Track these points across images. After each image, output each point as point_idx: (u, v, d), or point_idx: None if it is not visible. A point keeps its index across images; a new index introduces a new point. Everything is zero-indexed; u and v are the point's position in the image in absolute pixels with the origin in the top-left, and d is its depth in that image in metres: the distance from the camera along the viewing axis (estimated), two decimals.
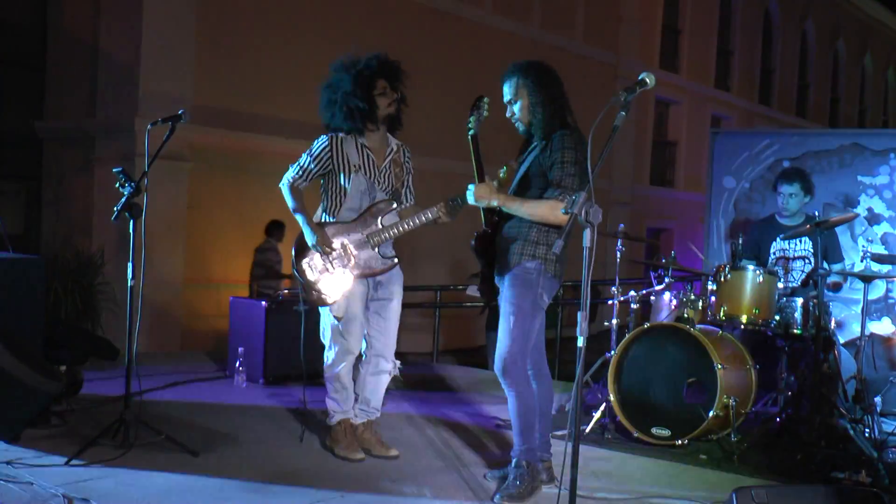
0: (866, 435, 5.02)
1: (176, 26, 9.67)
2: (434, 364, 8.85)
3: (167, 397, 5.86)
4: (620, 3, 16.85)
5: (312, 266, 4.54)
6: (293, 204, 4.58)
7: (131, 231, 4.51)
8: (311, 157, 4.56)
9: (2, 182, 10.35)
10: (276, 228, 10.14)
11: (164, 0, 9.60)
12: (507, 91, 4.11)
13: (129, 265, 4.52)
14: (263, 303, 6.57)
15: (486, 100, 4.21)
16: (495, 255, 4.16)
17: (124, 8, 9.59)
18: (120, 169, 4.56)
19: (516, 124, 4.16)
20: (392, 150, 4.65)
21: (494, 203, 4.02)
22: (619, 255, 5.70)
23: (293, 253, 4.61)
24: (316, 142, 4.57)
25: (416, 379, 6.94)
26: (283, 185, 4.62)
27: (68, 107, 10.07)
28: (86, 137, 9.78)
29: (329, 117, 4.57)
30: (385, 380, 4.75)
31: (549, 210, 3.89)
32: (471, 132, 4.15)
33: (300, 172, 4.58)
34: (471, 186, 4.06)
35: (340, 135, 4.56)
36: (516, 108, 4.10)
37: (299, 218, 4.55)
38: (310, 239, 4.50)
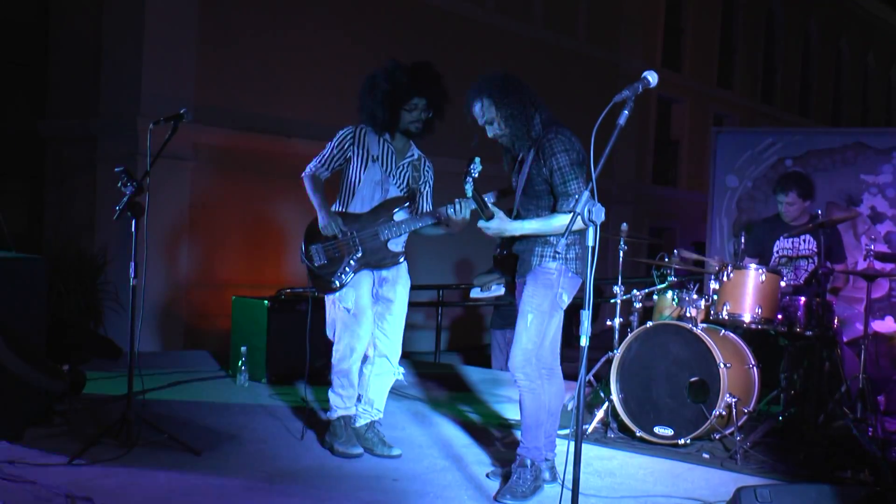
0: (869, 434, 5.02)
1: (178, 25, 9.66)
2: (437, 362, 8.86)
3: (170, 396, 5.85)
4: (622, 2, 16.81)
5: (320, 252, 4.55)
6: (311, 189, 4.58)
7: (133, 230, 4.52)
8: (333, 144, 4.61)
9: (4, 181, 10.34)
10: None
11: None
12: (478, 114, 4.11)
13: (132, 264, 4.53)
14: (266, 302, 6.57)
15: (477, 160, 4.04)
16: (516, 265, 4.17)
17: (127, 7, 9.57)
18: (122, 168, 4.55)
19: (499, 140, 4.15)
20: (413, 156, 4.68)
21: (511, 234, 4.05)
22: (621, 254, 5.70)
23: (303, 238, 4.63)
24: (340, 131, 4.62)
25: (418, 377, 6.94)
26: (305, 175, 4.64)
27: (71, 106, 10.06)
28: (88, 137, 9.77)
29: (360, 105, 4.59)
30: (389, 381, 4.75)
31: (564, 222, 3.87)
32: (468, 193, 4.04)
33: (322, 160, 4.62)
34: (481, 223, 4.08)
35: (365, 127, 4.60)
36: (493, 127, 4.10)
37: (315, 201, 4.54)
38: (321, 220, 4.50)
